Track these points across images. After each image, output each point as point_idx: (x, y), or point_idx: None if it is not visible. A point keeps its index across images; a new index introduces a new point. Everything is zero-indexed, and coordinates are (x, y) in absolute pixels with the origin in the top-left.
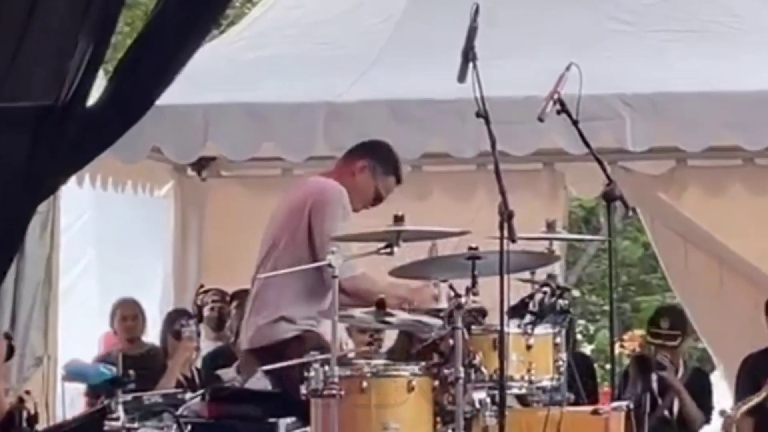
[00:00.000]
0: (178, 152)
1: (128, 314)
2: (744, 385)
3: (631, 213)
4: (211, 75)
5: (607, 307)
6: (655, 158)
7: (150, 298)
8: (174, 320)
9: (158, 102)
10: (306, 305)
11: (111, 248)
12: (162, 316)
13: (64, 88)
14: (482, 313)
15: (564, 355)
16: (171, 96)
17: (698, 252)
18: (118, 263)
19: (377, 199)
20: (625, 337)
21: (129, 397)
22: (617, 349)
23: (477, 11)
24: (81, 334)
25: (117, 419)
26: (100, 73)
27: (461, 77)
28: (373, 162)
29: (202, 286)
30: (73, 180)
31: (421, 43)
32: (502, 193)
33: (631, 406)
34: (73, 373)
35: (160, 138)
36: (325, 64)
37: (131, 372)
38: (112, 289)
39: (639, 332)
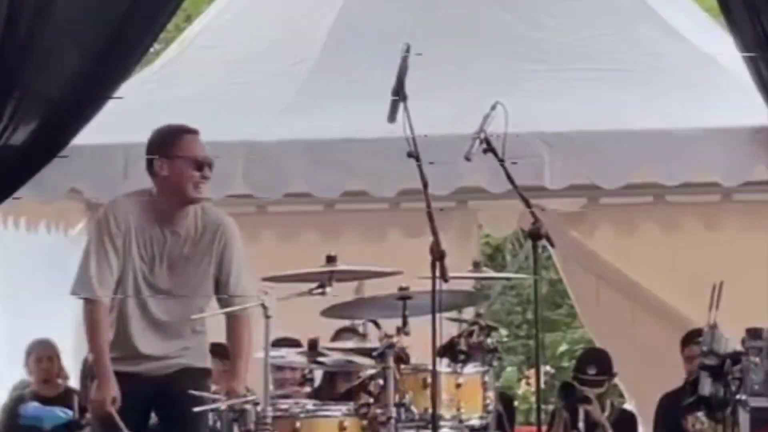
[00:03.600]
0: (97, 191)
1: (43, 355)
2: (661, 425)
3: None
4: (130, 113)
5: (512, 343)
6: (567, 196)
7: (60, 340)
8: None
9: (75, 141)
10: None
11: (16, 290)
12: (75, 356)
13: None
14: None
15: (492, 394)
16: (89, 135)
17: (610, 289)
18: (26, 305)
19: (200, 165)
20: (528, 373)
21: None
22: (522, 387)
23: (408, 50)
24: None
25: None
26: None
27: (391, 117)
28: (159, 150)
29: None
30: None
31: (338, 83)
32: (434, 232)
33: None
34: (30, 416)
35: (79, 177)
36: (242, 104)
37: (88, 415)
38: (19, 331)
39: (545, 368)
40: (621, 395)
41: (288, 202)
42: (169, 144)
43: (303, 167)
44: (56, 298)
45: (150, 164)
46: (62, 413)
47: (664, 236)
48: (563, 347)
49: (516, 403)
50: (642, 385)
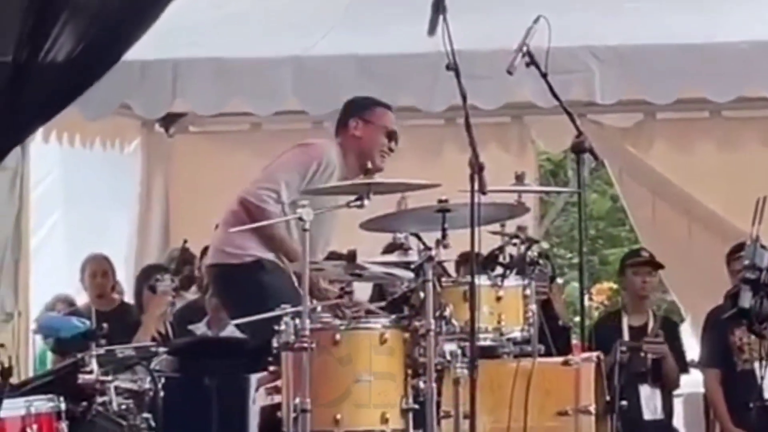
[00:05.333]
0: (146, 108)
1: (98, 270)
2: (709, 339)
3: (599, 165)
4: (179, 30)
5: (575, 260)
6: (623, 111)
7: (118, 255)
8: (149, 275)
9: (126, 57)
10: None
11: (79, 206)
12: (127, 272)
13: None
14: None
15: (534, 307)
16: (139, 51)
17: (666, 204)
18: (87, 221)
19: (391, 136)
20: (594, 290)
21: (102, 350)
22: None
23: None
24: (49, 292)
25: (90, 372)
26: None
27: (431, 30)
28: (357, 114)
29: (185, 242)
30: (39, 137)
31: None
32: (473, 146)
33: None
34: (45, 326)
35: (128, 93)
36: (292, 20)
37: (104, 325)
38: (80, 246)
39: (607, 285)
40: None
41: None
42: (369, 110)
43: (353, 82)
44: (114, 214)
45: (344, 123)
46: (79, 323)
47: (719, 151)
48: None
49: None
50: (698, 300)
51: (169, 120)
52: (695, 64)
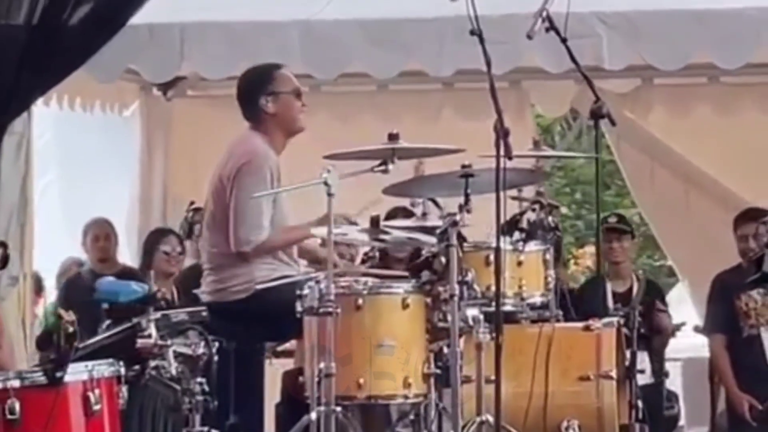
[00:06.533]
0: (154, 72)
1: (100, 234)
2: (716, 303)
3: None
4: None
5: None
6: (622, 77)
7: (114, 218)
8: (158, 239)
9: (133, 20)
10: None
11: (74, 168)
12: (128, 235)
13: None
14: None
15: (552, 272)
16: (147, 15)
17: (664, 170)
18: (82, 183)
19: (298, 94)
20: (577, 253)
21: (158, 314)
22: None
23: None
24: (44, 254)
25: (149, 336)
26: None
27: None
28: (263, 89)
29: (192, 203)
30: (40, 100)
31: None
32: (498, 112)
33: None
34: (106, 291)
35: (136, 57)
36: None
37: (163, 290)
38: (75, 209)
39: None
40: (672, 274)
41: (342, 83)
42: (270, 82)
43: (359, 47)
44: (111, 177)
45: (253, 106)
46: (138, 287)
47: (718, 117)
48: None
49: None
50: (695, 265)
51: (168, 83)
52: (703, 30)
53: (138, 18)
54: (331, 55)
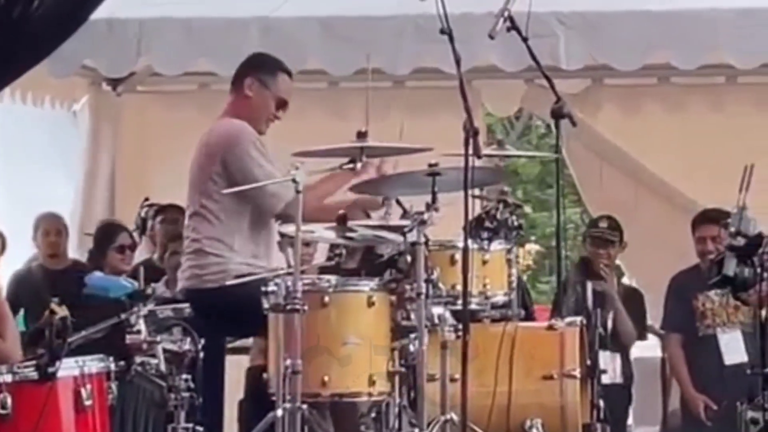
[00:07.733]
0: (111, 67)
1: (51, 229)
2: (673, 302)
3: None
4: None
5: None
6: (574, 77)
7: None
8: (111, 233)
9: (92, 15)
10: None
11: (19, 163)
12: (75, 230)
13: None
14: None
15: (515, 271)
16: (106, 10)
17: (613, 169)
18: (26, 178)
19: (281, 104)
20: (519, 252)
21: (146, 310)
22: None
23: None
24: None
25: (138, 332)
26: None
27: None
28: (256, 73)
29: (147, 199)
30: None
31: None
32: (467, 110)
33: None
34: (96, 286)
35: (93, 52)
36: None
37: (153, 285)
38: (19, 203)
39: (535, 247)
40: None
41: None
42: (271, 75)
43: (318, 44)
44: (58, 172)
45: (241, 79)
46: (128, 283)
47: (668, 117)
48: (552, 228)
49: None
50: (645, 266)
51: (118, 79)
52: (661, 31)
53: (97, 12)
54: (290, 52)
